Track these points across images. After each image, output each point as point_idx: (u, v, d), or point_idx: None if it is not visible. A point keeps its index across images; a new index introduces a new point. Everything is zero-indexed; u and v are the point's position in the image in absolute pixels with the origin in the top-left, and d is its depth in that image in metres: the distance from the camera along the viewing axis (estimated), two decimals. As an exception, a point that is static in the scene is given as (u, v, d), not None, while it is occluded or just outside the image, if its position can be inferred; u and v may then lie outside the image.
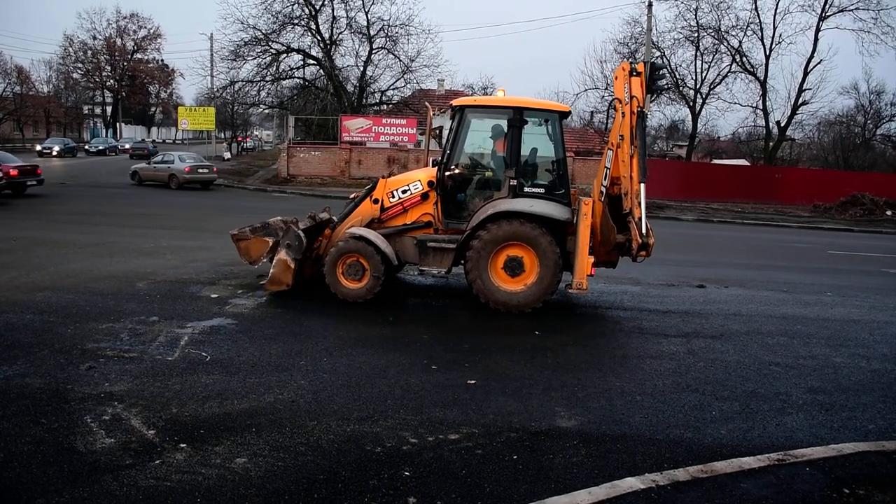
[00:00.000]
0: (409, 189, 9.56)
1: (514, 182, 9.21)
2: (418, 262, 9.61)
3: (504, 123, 9.40)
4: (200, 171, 30.65)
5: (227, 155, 54.72)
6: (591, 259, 9.04)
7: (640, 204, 8.92)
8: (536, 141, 9.65)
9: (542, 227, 9.02)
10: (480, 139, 10.06)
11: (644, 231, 8.93)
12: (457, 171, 9.56)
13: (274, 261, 9.34)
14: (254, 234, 9.85)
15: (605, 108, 41.04)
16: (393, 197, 9.62)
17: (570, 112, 10.07)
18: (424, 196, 9.53)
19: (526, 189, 9.31)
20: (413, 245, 9.51)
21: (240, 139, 74.87)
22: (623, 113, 9.02)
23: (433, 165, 9.73)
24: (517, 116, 9.23)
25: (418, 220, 9.61)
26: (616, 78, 9.39)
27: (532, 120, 9.48)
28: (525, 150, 9.55)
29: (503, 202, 9.15)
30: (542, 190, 9.40)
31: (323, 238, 10.09)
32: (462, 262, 9.42)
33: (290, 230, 9.28)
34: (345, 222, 9.92)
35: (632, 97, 8.98)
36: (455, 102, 9.67)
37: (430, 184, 9.47)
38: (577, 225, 9.01)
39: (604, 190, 9.22)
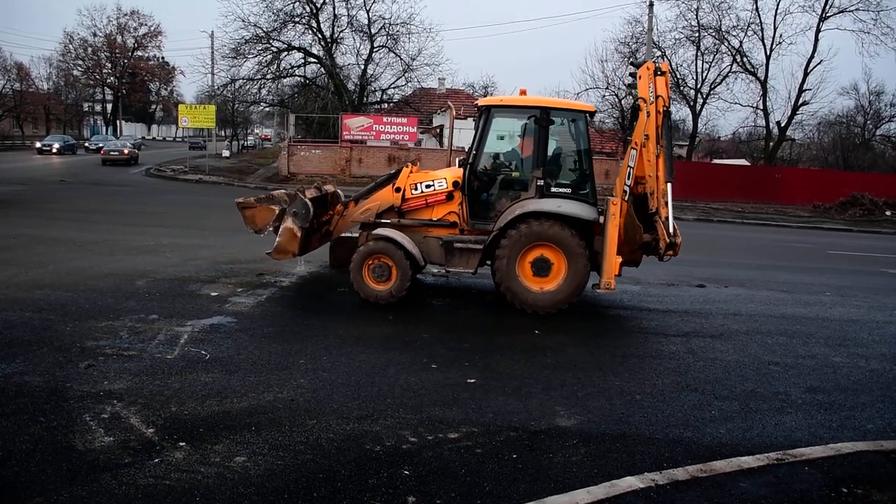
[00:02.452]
0: (434, 185, 9.47)
1: (541, 182, 9.16)
2: (444, 263, 9.51)
3: (530, 123, 9.37)
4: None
5: (227, 153, 54.73)
6: (619, 259, 9.04)
7: (666, 203, 8.97)
8: (562, 140, 9.62)
9: (571, 228, 9.00)
10: (506, 139, 10.00)
11: (671, 230, 8.98)
12: (488, 169, 9.52)
13: (280, 229, 9.19)
14: (259, 203, 9.71)
15: (607, 108, 41.15)
16: (416, 189, 9.52)
17: (595, 111, 10.03)
18: (449, 196, 9.46)
19: (553, 189, 9.25)
20: (438, 246, 9.41)
21: (264, 137, 74.91)
22: (648, 112, 9.03)
23: (459, 165, 9.62)
24: (544, 116, 9.19)
25: (443, 218, 9.53)
26: (640, 78, 9.39)
27: (558, 119, 9.44)
28: (550, 150, 9.52)
29: (531, 202, 9.10)
30: (568, 190, 9.34)
31: (335, 214, 9.95)
32: (488, 262, 9.38)
33: (297, 198, 9.15)
34: (361, 203, 9.77)
35: (657, 96, 9.00)
36: (481, 102, 9.63)
37: (454, 184, 9.40)
38: (606, 225, 8.97)
39: (627, 189, 9.20)
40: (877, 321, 10.16)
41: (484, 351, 7.52)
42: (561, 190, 9.29)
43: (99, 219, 17.35)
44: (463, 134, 38.32)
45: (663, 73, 9.15)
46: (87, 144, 59.18)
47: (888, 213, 32.30)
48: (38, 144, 52.37)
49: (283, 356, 6.90)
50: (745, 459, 4.97)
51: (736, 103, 42.86)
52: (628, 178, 9.24)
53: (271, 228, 9.59)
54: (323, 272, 11.24)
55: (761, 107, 41.60)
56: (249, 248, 13.20)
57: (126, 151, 42.66)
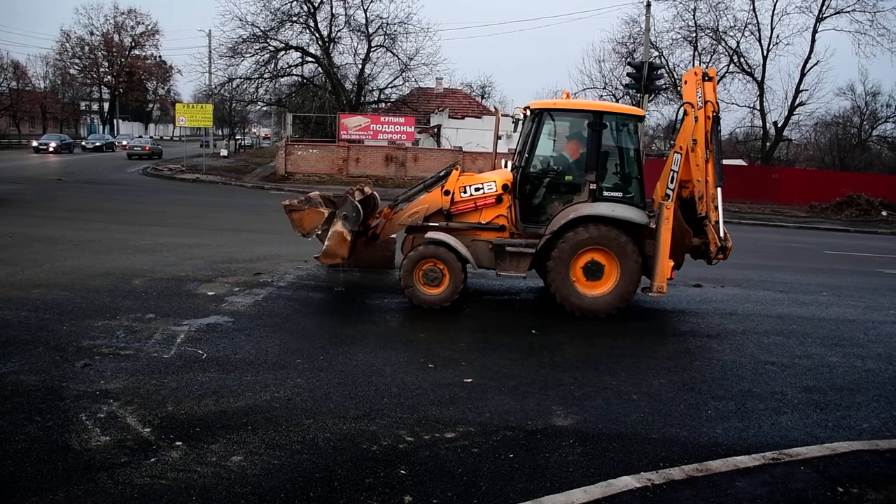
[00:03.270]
0: (483, 188, 9.42)
1: (593, 186, 9.13)
2: (494, 267, 9.43)
3: (580, 126, 9.40)
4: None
5: (224, 152, 54.68)
6: (672, 263, 9.11)
7: (716, 207, 9.07)
8: (612, 144, 9.54)
9: (624, 232, 9.02)
10: (558, 142, 9.92)
11: (722, 234, 9.10)
12: (539, 172, 9.50)
13: (329, 233, 9.03)
14: (307, 206, 9.59)
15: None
16: (465, 192, 9.45)
17: (645, 115, 10.04)
18: (498, 199, 9.41)
19: (605, 193, 9.23)
20: (488, 249, 9.35)
21: (264, 136, 74.68)
22: (696, 117, 9.07)
23: (511, 168, 9.56)
24: (597, 120, 9.19)
25: (492, 222, 9.47)
26: (685, 82, 9.49)
27: (610, 123, 9.41)
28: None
29: (584, 206, 9.07)
30: (620, 193, 9.33)
31: (382, 217, 9.83)
32: (539, 266, 9.37)
33: (348, 201, 9.06)
34: (409, 206, 9.67)
35: (706, 101, 9.05)
36: (533, 105, 9.58)
37: (504, 187, 9.37)
38: (659, 228, 9.01)
39: (671, 193, 9.24)
40: (873, 321, 10.18)
41: (481, 350, 7.53)
42: (613, 193, 9.28)
43: (95, 217, 17.31)
44: (461, 133, 38.37)
45: (711, 79, 9.22)
46: (83, 143, 59.05)
47: (884, 213, 32.35)
48: (34, 143, 52.21)
49: (280, 356, 6.90)
50: (741, 459, 4.98)
51: (733, 103, 42.94)
52: (671, 182, 9.30)
53: (319, 232, 9.48)
54: (320, 272, 11.23)
55: (758, 107, 41.70)
56: (246, 248, 13.20)
57: (147, 147, 49.85)
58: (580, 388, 6.48)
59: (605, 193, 9.22)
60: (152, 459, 4.59)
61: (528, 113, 9.61)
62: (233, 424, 5.20)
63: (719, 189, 9.10)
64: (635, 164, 9.48)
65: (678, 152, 9.30)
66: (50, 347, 6.72)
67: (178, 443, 4.85)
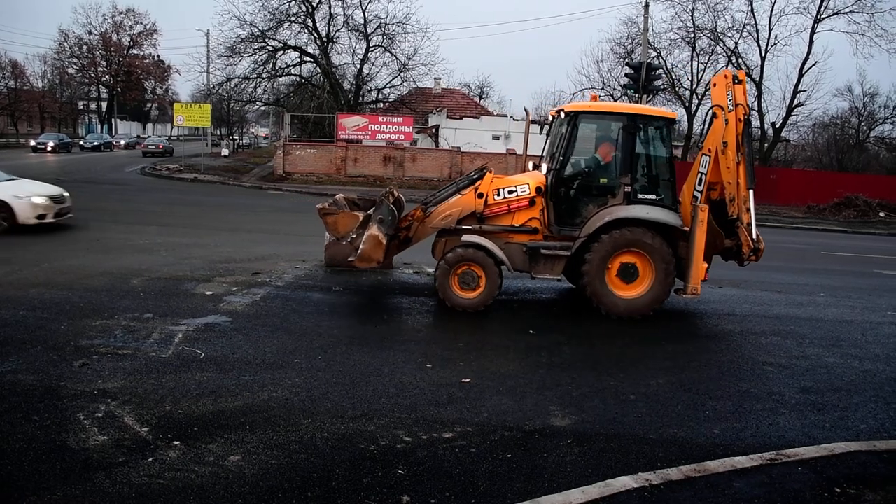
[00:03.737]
0: (516, 191, 9.42)
1: (628, 188, 9.17)
2: (529, 270, 9.43)
3: (612, 128, 9.45)
4: None
5: (225, 152, 54.82)
6: (706, 265, 9.19)
7: (748, 210, 9.13)
8: (645, 147, 9.58)
9: (659, 235, 9.06)
10: (591, 145, 9.94)
11: (755, 236, 9.16)
12: (573, 174, 9.52)
13: (365, 236, 8.96)
14: (341, 209, 9.50)
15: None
16: (498, 195, 9.45)
17: (676, 119, 10.06)
18: (531, 201, 9.42)
19: (639, 195, 9.27)
20: (522, 252, 9.35)
21: (265, 136, 75.24)
22: (726, 120, 9.14)
23: (541, 171, 9.53)
24: (631, 123, 9.24)
25: (525, 224, 9.47)
26: (714, 85, 9.56)
27: (644, 126, 9.46)
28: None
29: (620, 209, 9.11)
30: (653, 196, 9.37)
31: (413, 220, 9.74)
32: (569, 269, 9.38)
33: (384, 204, 9.02)
34: (441, 209, 9.59)
35: (737, 105, 9.12)
36: (567, 108, 9.60)
37: (537, 190, 9.37)
38: (693, 231, 9.07)
39: (699, 195, 9.36)
40: (870, 322, 10.20)
41: (479, 351, 7.53)
42: (645, 196, 9.31)
43: (93, 217, 17.28)
44: (459, 134, 38.37)
45: (741, 82, 9.29)
46: (82, 143, 58.97)
47: (882, 214, 32.39)
48: (32, 142, 52.11)
49: (278, 355, 6.90)
50: (738, 459, 4.99)
51: (731, 104, 42.91)
52: (699, 184, 9.41)
53: (354, 235, 9.42)
54: (318, 272, 11.23)
55: (756, 108, 41.69)
56: (244, 247, 13.19)
57: (161, 146, 52.64)
58: (578, 389, 6.48)
59: (639, 196, 9.27)
60: (150, 459, 4.59)
61: (562, 115, 9.60)
62: (231, 424, 5.20)
63: (751, 191, 9.20)
64: (667, 167, 9.54)
65: (706, 154, 9.42)
66: (48, 347, 6.71)
67: (175, 442, 4.85)
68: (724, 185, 9.35)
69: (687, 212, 9.41)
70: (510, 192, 9.44)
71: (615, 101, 40.77)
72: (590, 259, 9.03)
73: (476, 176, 9.81)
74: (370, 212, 9.32)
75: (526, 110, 11.57)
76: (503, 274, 9.19)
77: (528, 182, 9.45)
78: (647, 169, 9.61)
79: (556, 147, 9.61)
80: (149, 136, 65.80)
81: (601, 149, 9.65)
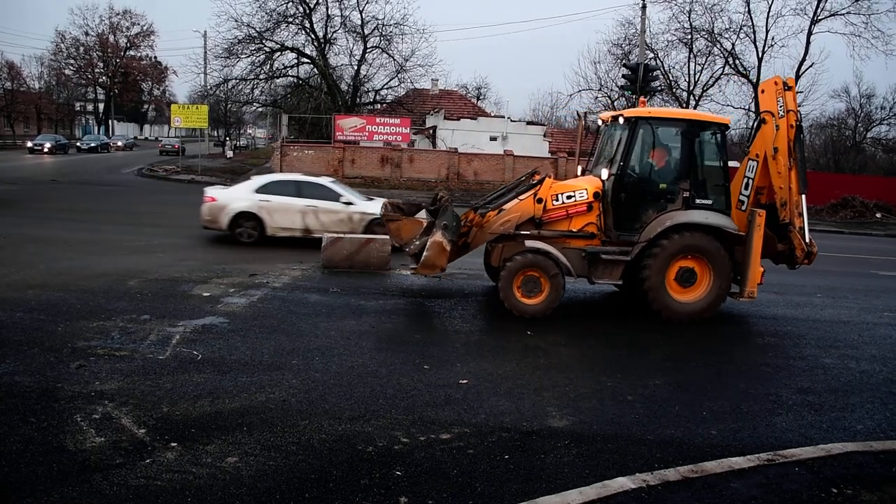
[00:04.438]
0: (575, 196, 9.44)
1: (686, 193, 9.21)
2: (587, 275, 9.42)
3: (674, 135, 9.55)
4: None
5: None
6: (762, 269, 9.30)
7: (800, 214, 9.28)
8: (703, 152, 9.65)
9: (717, 240, 9.14)
10: (647, 150, 9.95)
11: (808, 240, 9.33)
12: (633, 179, 9.57)
13: (429, 243, 8.89)
14: (405, 216, 9.46)
15: (600, 109, 41.20)
16: (556, 200, 9.45)
17: (730, 124, 10.17)
18: (589, 206, 9.44)
19: (697, 201, 9.33)
20: (580, 257, 9.33)
21: (268, 136, 76.62)
22: (777, 126, 9.27)
23: (608, 176, 9.55)
24: (690, 128, 9.33)
25: (582, 229, 9.48)
26: (762, 91, 9.72)
27: (701, 132, 9.52)
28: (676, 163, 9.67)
29: (680, 214, 9.16)
30: (709, 201, 9.42)
31: (474, 225, 9.67)
32: (632, 273, 9.42)
33: (448, 210, 8.97)
34: (501, 214, 9.52)
35: (788, 111, 9.25)
36: (627, 113, 9.65)
37: (595, 195, 9.40)
38: (751, 235, 9.18)
39: (745, 199, 9.53)
40: (867, 323, 10.22)
41: (476, 352, 7.53)
42: (701, 201, 9.37)
43: (90, 218, 17.27)
44: (457, 135, 38.35)
45: (790, 88, 9.41)
46: (78, 144, 58.91)
47: (879, 215, 32.47)
48: (29, 144, 52.03)
49: (276, 357, 6.89)
50: (735, 460, 4.99)
51: (728, 105, 42.95)
52: (746, 188, 9.57)
53: (417, 241, 9.34)
54: (315, 273, 11.23)
55: (753, 109, 41.73)
56: (241, 249, 13.17)
57: (175, 146, 54.47)
58: (575, 390, 6.48)
59: (698, 201, 9.35)
60: (147, 460, 4.58)
61: (620, 121, 9.62)
62: (228, 425, 5.19)
63: (803, 196, 9.35)
64: (721, 172, 9.60)
65: (753, 160, 9.59)
66: (45, 348, 6.70)
67: (173, 444, 4.84)
68: (774, 189, 9.50)
69: (736, 216, 9.54)
70: (568, 197, 9.47)
71: (612, 102, 40.93)
72: (651, 263, 9.11)
73: (530, 181, 9.85)
74: (414, 214, 9.31)
75: (578, 115, 11.67)
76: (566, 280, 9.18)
77: (585, 187, 9.48)
78: (702, 174, 9.66)
79: (613, 152, 9.67)
80: (165, 137, 69.86)
81: (655, 154, 9.71)
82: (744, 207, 9.55)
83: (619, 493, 4.39)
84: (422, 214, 9.96)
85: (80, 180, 29.95)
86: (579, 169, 10.85)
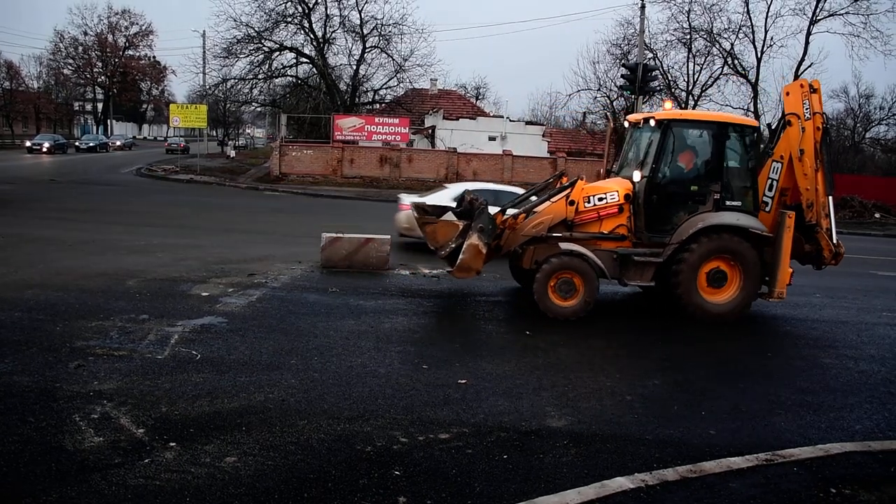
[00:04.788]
0: (606, 198, 9.50)
1: (717, 195, 9.29)
2: (618, 276, 9.46)
3: (703, 137, 9.65)
4: None
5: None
6: (791, 270, 9.40)
7: (827, 215, 9.38)
8: (731, 155, 9.73)
9: (748, 241, 9.22)
10: (677, 152, 9.94)
11: (835, 241, 9.43)
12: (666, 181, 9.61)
13: (465, 245, 8.88)
14: (440, 219, 9.45)
15: (599, 109, 41.27)
16: (588, 202, 9.50)
17: (759, 127, 10.24)
18: (620, 208, 9.49)
19: (727, 203, 9.42)
20: (612, 259, 9.36)
21: (269, 136, 77.81)
22: (803, 128, 9.39)
23: (640, 178, 9.57)
24: (721, 131, 9.41)
25: (613, 231, 9.54)
26: (788, 94, 9.82)
27: (732, 134, 9.59)
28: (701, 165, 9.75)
29: (711, 216, 9.24)
30: (738, 203, 9.49)
31: (507, 227, 9.66)
32: (663, 274, 9.47)
33: (484, 213, 8.97)
34: (533, 217, 9.54)
35: (814, 113, 9.36)
36: (658, 116, 9.70)
37: (626, 197, 9.45)
38: (781, 236, 9.27)
39: (769, 201, 9.62)
40: (866, 322, 10.24)
41: (475, 351, 7.53)
42: (731, 203, 9.44)
43: (89, 218, 17.27)
44: (455, 135, 38.35)
45: (816, 91, 9.51)
46: (77, 144, 58.89)
47: (877, 215, 32.50)
48: (27, 143, 52.01)
49: (274, 356, 6.89)
50: (734, 460, 5.00)
51: (727, 105, 42.90)
52: (770, 190, 9.66)
53: (453, 244, 9.30)
54: (314, 273, 11.22)
55: (752, 109, 41.76)
56: (240, 248, 13.18)
57: (181, 145, 58.70)
58: (574, 390, 6.49)
59: (728, 203, 9.43)
60: (146, 460, 4.58)
61: (652, 123, 9.67)
62: (227, 425, 5.19)
63: (830, 197, 9.45)
64: (749, 174, 9.67)
65: (777, 161, 9.68)
66: (43, 348, 6.69)
67: (171, 444, 4.84)
68: (800, 191, 9.58)
69: (761, 217, 9.61)
70: (600, 199, 9.52)
71: (611, 102, 40.90)
72: (683, 265, 9.17)
73: (559, 183, 9.87)
74: (440, 216, 9.32)
75: (608, 117, 11.69)
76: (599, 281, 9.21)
77: (616, 189, 9.53)
78: (731, 176, 9.70)
79: (643, 154, 9.75)
80: (171, 137, 71.89)
81: (683, 156, 9.76)
82: (768, 209, 9.67)
83: (617, 493, 4.39)
84: (449, 216, 9.97)
85: (79, 180, 29.94)
86: (603, 172, 10.87)
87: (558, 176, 10.23)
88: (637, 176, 9.40)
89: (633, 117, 10.75)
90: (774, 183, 9.69)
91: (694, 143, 9.85)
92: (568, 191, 9.52)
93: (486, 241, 8.81)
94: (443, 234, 9.39)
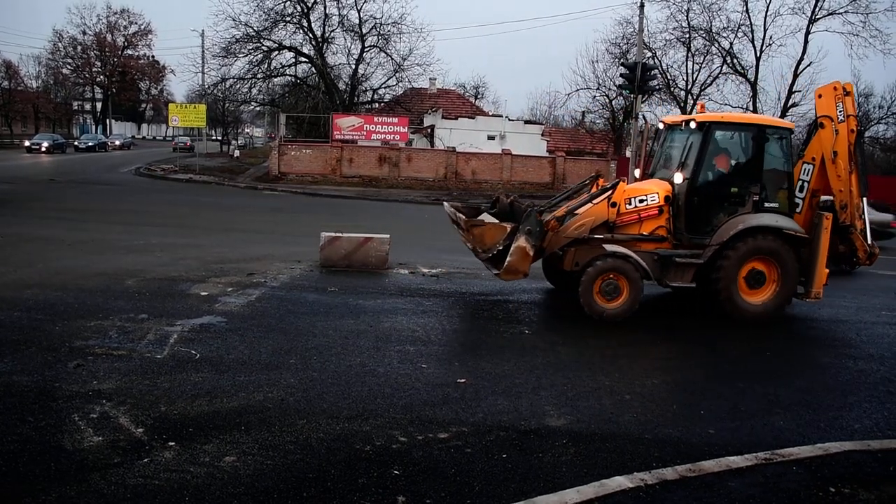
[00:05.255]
0: (647, 200, 9.56)
1: (756, 197, 9.38)
2: (658, 277, 9.50)
3: (741, 139, 9.77)
4: None
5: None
6: (827, 270, 9.52)
7: (861, 216, 9.51)
8: (769, 156, 9.77)
9: (786, 242, 9.31)
10: (716, 155, 9.99)
11: (870, 241, 9.56)
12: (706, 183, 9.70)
13: (512, 248, 8.91)
14: (488, 222, 9.47)
15: (598, 109, 41.24)
16: (629, 204, 9.56)
17: (794, 129, 10.32)
18: (660, 210, 9.56)
19: (766, 204, 9.50)
20: (652, 260, 9.39)
21: (271, 136, 78.30)
22: (836, 130, 9.50)
23: (682, 180, 9.61)
24: (761, 133, 9.51)
25: (653, 233, 9.59)
26: (820, 96, 9.93)
27: (770, 137, 9.66)
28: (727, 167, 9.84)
29: (752, 217, 9.32)
30: (776, 204, 9.59)
31: (550, 229, 9.52)
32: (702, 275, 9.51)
33: (532, 216, 9.00)
34: (575, 219, 9.47)
35: (848, 116, 9.47)
36: (699, 118, 9.75)
37: (665, 198, 9.53)
38: (818, 238, 9.40)
39: (800, 202, 9.74)
40: (864, 321, 10.24)
41: (474, 351, 7.54)
42: (768, 204, 9.53)
43: (88, 218, 17.26)
44: (454, 134, 38.36)
45: (849, 93, 9.61)
46: (76, 143, 58.85)
47: (877, 214, 32.51)
48: (27, 143, 51.96)
49: (273, 356, 6.89)
50: (733, 459, 5.00)
51: (726, 104, 42.93)
52: (801, 191, 9.76)
53: (500, 247, 9.22)
54: (313, 272, 11.22)
55: (751, 108, 41.75)
56: (239, 248, 13.18)
57: (188, 143, 62.27)
58: (573, 389, 6.49)
59: (767, 205, 9.52)
60: (145, 460, 4.58)
61: (692, 126, 9.70)
62: (226, 425, 5.19)
63: (864, 199, 9.59)
64: (785, 176, 9.75)
65: (808, 163, 9.80)
66: (42, 348, 6.69)
67: (171, 443, 4.84)
68: (833, 192, 9.69)
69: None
70: (640, 201, 9.58)
71: (610, 101, 40.89)
72: (724, 266, 9.23)
73: (596, 185, 9.96)
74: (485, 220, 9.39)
75: (645, 119, 11.74)
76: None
77: (656, 191, 9.60)
78: (767, 178, 9.75)
79: (682, 156, 9.84)
80: (179, 136, 74.29)
81: (722, 158, 9.81)
82: (799, 210, 9.77)
83: (616, 493, 4.39)
84: (487, 217, 9.99)
85: (78, 179, 29.92)
86: (637, 172, 10.85)
87: (594, 178, 10.32)
88: (679, 178, 9.50)
89: (669, 119, 10.87)
90: (805, 184, 9.84)
91: (733, 145, 9.98)
92: (609, 192, 9.56)
93: (534, 243, 8.87)
94: (491, 236, 9.34)
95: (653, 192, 9.60)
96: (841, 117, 9.54)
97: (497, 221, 9.60)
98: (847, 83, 9.84)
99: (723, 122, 9.93)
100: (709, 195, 9.64)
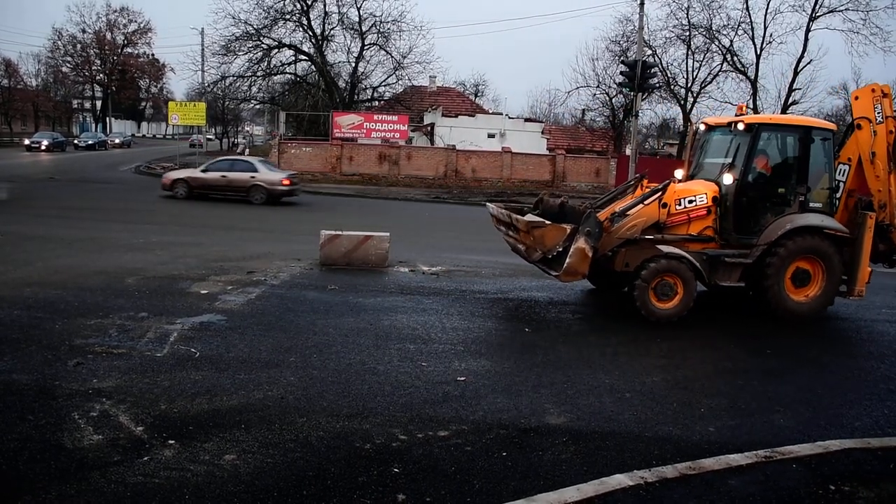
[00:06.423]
0: (696, 200, 9.63)
1: (802, 198, 9.49)
2: (709, 277, 9.49)
3: (787, 140, 9.86)
4: None
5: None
6: (870, 269, 9.68)
7: None
8: (814, 157, 9.84)
9: (831, 242, 9.43)
10: (768, 155, 10.07)
11: None
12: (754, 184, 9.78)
13: (572, 249, 8.84)
14: (548, 223, 9.43)
15: (598, 106, 41.21)
16: (679, 205, 9.59)
17: (836, 130, 10.37)
18: (708, 210, 9.63)
19: (811, 205, 9.61)
20: (701, 260, 9.38)
21: (274, 134, 79.44)
22: (875, 131, 9.64)
23: (732, 180, 9.61)
24: (807, 135, 9.60)
25: (701, 233, 9.65)
26: (857, 98, 10.08)
27: (816, 138, 9.73)
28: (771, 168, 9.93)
29: (798, 218, 9.43)
30: (819, 204, 9.70)
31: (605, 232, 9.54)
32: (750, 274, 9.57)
33: (592, 217, 8.96)
34: (627, 220, 9.39)
35: (887, 117, 9.57)
36: (747, 120, 9.85)
37: (713, 199, 9.60)
38: (862, 237, 9.54)
39: (836, 202, 9.89)
40: (864, 319, 10.25)
41: (474, 349, 7.53)
42: (815, 205, 9.63)
43: (88, 216, 17.26)
44: (455, 132, 38.34)
45: (887, 95, 9.71)
46: (76, 142, 58.83)
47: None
48: (26, 141, 51.98)
49: (273, 354, 6.89)
50: (733, 457, 5.00)
51: (726, 102, 42.93)
52: (837, 192, 9.90)
53: (560, 248, 9.11)
54: (313, 270, 11.22)
55: (751, 106, 41.74)
56: (239, 246, 13.17)
57: (200, 141, 58.26)
58: (573, 387, 6.49)
59: (812, 205, 9.62)
60: (145, 458, 4.58)
61: (741, 127, 9.73)
62: (226, 423, 5.19)
63: None
64: (828, 177, 9.86)
65: (845, 164, 9.96)
66: (42, 346, 6.69)
67: (171, 441, 4.84)
68: (872, 192, 9.85)
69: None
70: (690, 201, 9.63)
71: (610, 99, 40.89)
72: (772, 265, 9.33)
73: (642, 185, 10.12)
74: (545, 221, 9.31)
75: (690, 122, 11.78)
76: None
77: (704, 192, 9.66)
78: (814, 179, 9.83)
79: (730, 157, 9.95)
80: (194, 134, 75.95)
81: (759, 160, 9.86)
82: (834, 209, 9.88)
83: (616, 491, 4.39)
84: (532, 217, 9.94)
85: (78, 178, 29.91)
86: (680, 173, 10.80)
87: (639, 178, 10.39)
88: (729, 178, 9.57)
89: (710, 120, 10.98)
90: (841, 185, 9.98)
91: (780, 146, 10.08)
92: (661, 193, 9.57)
93: (594, 244, 8.82)
94: (551, 238, 9.21)
95: (701, 192, 9.68)
96: (879, 118, 9.67)
97: (550, 223, 9.55)
98: (885, 85, 9.97)
99: (771, 124, 10.13)
100: (756, 196, 9.73)
